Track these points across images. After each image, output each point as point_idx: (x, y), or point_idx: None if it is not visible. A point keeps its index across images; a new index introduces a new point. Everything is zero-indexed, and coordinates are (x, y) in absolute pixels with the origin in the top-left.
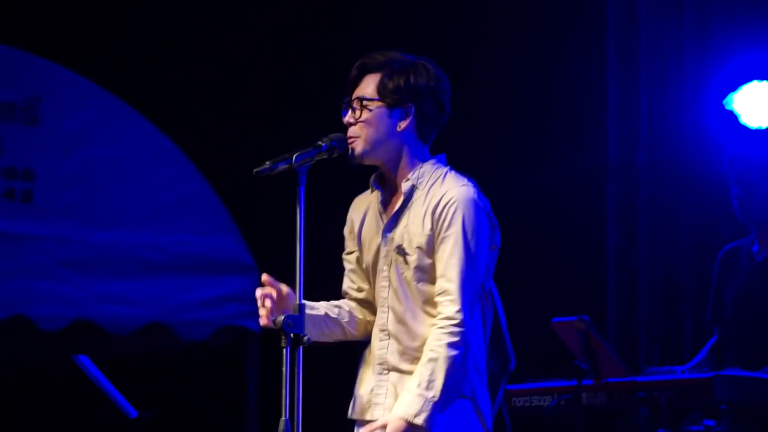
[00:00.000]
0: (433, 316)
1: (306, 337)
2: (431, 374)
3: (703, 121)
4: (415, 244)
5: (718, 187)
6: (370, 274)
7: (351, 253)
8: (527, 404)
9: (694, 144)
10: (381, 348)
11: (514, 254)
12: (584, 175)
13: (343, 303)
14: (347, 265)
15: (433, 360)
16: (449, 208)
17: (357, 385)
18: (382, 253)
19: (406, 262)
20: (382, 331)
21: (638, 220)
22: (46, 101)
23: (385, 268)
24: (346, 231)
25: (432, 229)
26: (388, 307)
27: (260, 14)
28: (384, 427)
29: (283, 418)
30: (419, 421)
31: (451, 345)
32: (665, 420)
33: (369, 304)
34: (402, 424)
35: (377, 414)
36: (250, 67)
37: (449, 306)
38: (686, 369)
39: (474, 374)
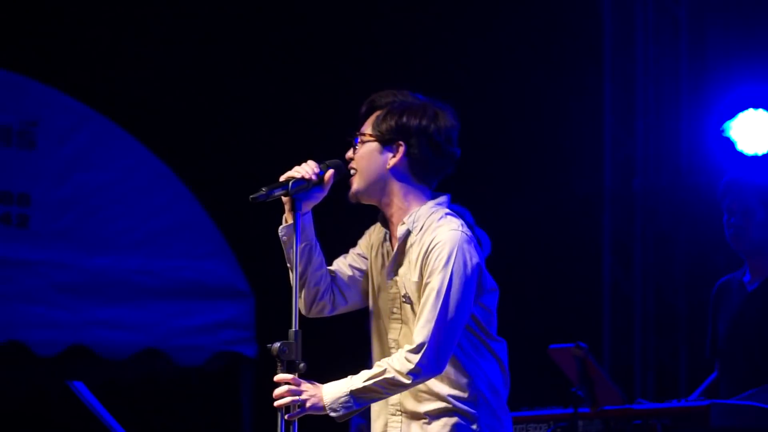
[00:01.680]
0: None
1: (301, 365)
2: (367, 376)
3: (698, 148)
4: (413, 291)
5: (714, 215)
6: (371, 291)
7: (361, 255)
8: None
9: (690, 171)
10: None
11: (510, 281)
12: (580, 202)
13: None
14: (352, 258)
15: (378, 367)
16: (435, 254)
17: (372, 416)
18: (389, 296)
19: (411, 309)
20: None
21: (634, 248)
22: (42, 125)
23: (395, 309)
24: (366, 236)
25: (420, 276)
26: (398, 347)
27: (257, 42)
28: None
29: None
30: (330, 402)
31: (398, 372)
32: None
33: (339, 293)
34: (319, 402)
35: None
36: (246, 94)
37: (412, 353)
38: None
39: (491, 419)
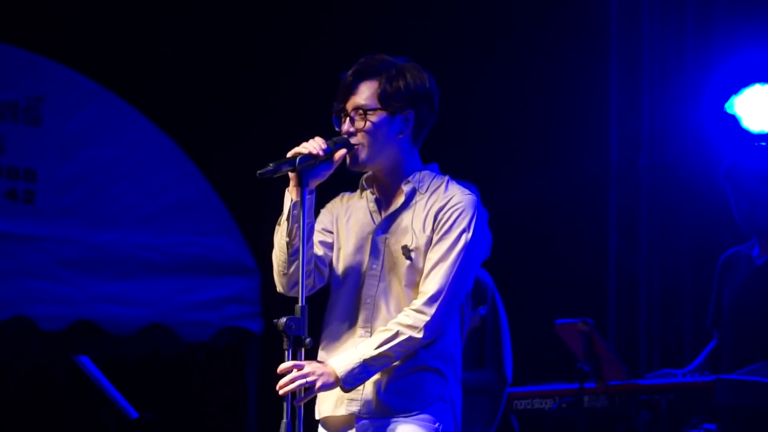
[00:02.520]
0: None
1: (307, 340)
2: (378, 342)
3: (704, 126)
4: (415, 244)
5: (719, 192)
6: (337, 262)
7: (325, 230)
8: (529, 407)
9: (695, 148)
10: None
11: (516, 257)
12: (586, 179)
13: None
14: (319, 236)
15: (388, 331)
16: (453, 212)
17: None
18: (369, 250)
19: (408, 260)
20: (363, 327)
21: (639, 225)
22: (48, 101)
23: (375, 266)
24: (324, 211)
25: (432, 231)
26: (374, 303)
27: (264, 15)
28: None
29: (284, 420)
30: (344, 375)
31: (411, 328)
32: (666, 423)
33: (318, 272)
34: (330, 378)
35: (352, 408)
36: (253, 68)
37: (426, 305)
38: (685, 373)
39: (454, 382)
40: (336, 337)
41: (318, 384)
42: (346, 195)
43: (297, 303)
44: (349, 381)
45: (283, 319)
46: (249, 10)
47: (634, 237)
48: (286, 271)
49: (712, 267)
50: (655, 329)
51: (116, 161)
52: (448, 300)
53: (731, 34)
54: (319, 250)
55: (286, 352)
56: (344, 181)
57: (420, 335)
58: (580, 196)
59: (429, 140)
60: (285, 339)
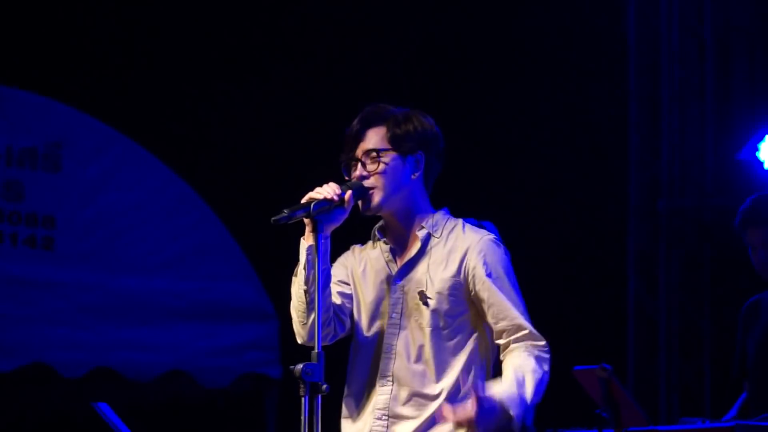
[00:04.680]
0: (461, 365)
1: (324, 386)
2: (524, 381)
3: (723, 169)
4: (436, 288)
5: (738, 236)
6: (358, 314)
7: (342, 282)
8: None
9: (714, 192)
10: (382, 393)
11: (534, 302)
12: (605, 222)
13: None
14: (336, 287)
15: (524, 371)
16: (483, 255)
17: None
18: (390, 301)
19: (426, 306)
20: (385, 377)
21: (658, 268)
22: (67, 147)
23: (395, 314)
24: (337, 264)
25: (458, 273)
26: (395, 353)
27: (280, 61)
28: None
29: None
30: (514, 413)
31: (540, 361)
32: None
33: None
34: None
35: None
36: (269, 114)
37: (528, 335)
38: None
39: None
40: (358, 389)
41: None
42: (357, 247)
43: (314, 350)
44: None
45: (300, 366)
46: (265, 57)
47: (653, 281)
48: (305, 321)
49: (732, 311)
50: (675, 374)
51: (135, 207)
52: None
53: (751, 76)
54: (337, 300)
55: (303, 399)
56: (354, 228)
57: (547, 362)
58: (598, 239)
59: (447, 182)
60: (301, 385)
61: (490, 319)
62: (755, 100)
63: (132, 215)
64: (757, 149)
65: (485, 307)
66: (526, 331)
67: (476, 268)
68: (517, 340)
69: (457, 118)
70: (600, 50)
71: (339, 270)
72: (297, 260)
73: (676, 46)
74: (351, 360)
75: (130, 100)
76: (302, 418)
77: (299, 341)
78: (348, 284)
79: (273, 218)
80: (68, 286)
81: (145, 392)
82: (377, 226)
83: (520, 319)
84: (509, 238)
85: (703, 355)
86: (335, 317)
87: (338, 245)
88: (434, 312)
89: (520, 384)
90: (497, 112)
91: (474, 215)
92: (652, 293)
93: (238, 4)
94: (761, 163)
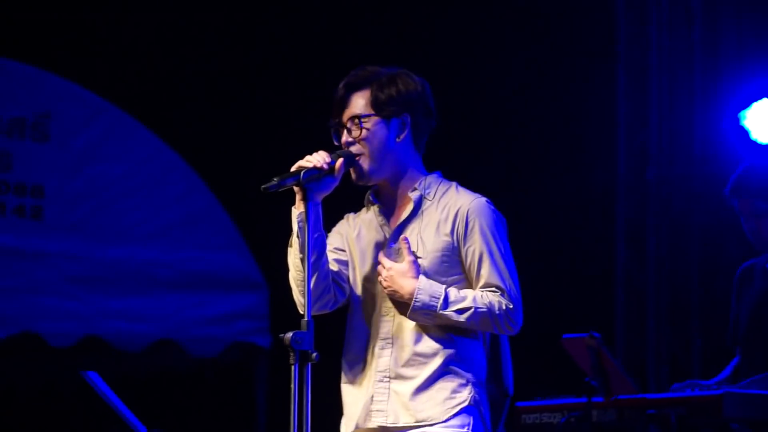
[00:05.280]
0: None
1: (314, 354)
2: (464, 298)
3: (712, 138)
4: (429, 248)
5: (729, 204)
6: (354, 279)
7: (338, 249)
8: (537, 421)
9: (703, 160)
10: (383, 356)
11: (522, 271)
12: (593, 191)
13: None
14: (331, 254)
15: (470, 292)
16: (473, 217)
17: (347, 398)
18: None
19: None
20: (384, 339)
21: (647, 238)
22: (55, 117)
23: None
24: (333, 233)
25: (451, 234)
26: (393, 315)
27: (270, 30)
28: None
29: None
30: (414, 292)
31: (495, 305)
32: None
33: (338, 287)
34: (410, 287)
35: (379, 420)
36: (259, 83)
37: (501, 293)
38: (711, 384)
39: (480, 386)
40: (357, 353)
41: (389, 288)
42: (351, 215)
43: (303, 317)
44: (418, 305)
45: (290, 334)
46: (255, 25)
47: (641, 250)
48: (304, 289)
49: (720, 279)
50: (663, 343)
51: (123, 177)
52: (516, 292)
53: (739, 46)
54: (334, 267)
55: (293, 367)
56: (348, 194)
57: (506, 319)
58: (587, 209)
59: (434, 152)
60: (291, 354)
61: (473, 277)
62: (743, 69)
63: (121, 185)
64: (740, 118)
65: (472, 267)
66: (500, 291)
67: (467, 228)
68: (485, 288)
69: (442, 88)
70: (588, 19)
71: (334, 238)
72: (287, 230)
73: (665, 15)
74: (348, 324)
75: (119, 69)
76: (292, 386)
77: (301, 311)
78: (344, 251)
79: (263, 186)
80: (57, 255)
81: (134, 362)
82: (371, 190)
83: (499, 282)
84: (499, 207)
85: (692, 323)
86: (334, 284)
87: (334, 215)
88: (426, 273)
89: (454, 293)
90: (483, 81)
91: (463, 185)
92: (640, 262)
93: None
94: (748, 132)
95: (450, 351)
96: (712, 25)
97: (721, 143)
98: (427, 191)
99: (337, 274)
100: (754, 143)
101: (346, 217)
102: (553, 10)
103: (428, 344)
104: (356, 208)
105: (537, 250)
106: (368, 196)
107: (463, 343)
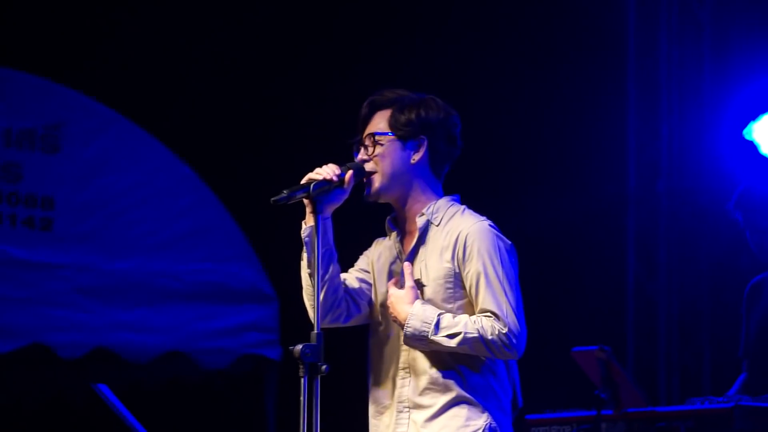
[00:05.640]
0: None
1: (323, 366)
2: (456, 323)
3: (723, 151)
4: (431, 276)
5: (734, 218)
6: (375, 302)
7: (363, 270)
8: None
9: (714, 173)
10: (402, 386)
11: (533, 283)
12: (604, 204)
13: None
14: (356, 273)
15: (464, 318)
16: (472, 242)
17: (373, 424)
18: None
19: (423, 295)
20: (403, 369)
21: (658, 250)
22: (65, 129)
23: None
24: (362, 256)
25: (452, 260)
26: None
27: (283, 43)
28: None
29: None
30: (407, 318)
31: (488, 331)
32: None
33: (353, 302)
34: (404, 313)
35: None
36: (270, 96)
37: (495, 318)
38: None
39: (497, 412)
40: (381, 381)
41: (392, 315)
42: (379, 240)
43: (313, 330)
44: (409, 332)
45: (299, 347)
46: (267, 38)
47: (652, 262)
48: (314, 303)
49: (731, 292)
50: (674, 355)
51: (133, 188)
52: (513, 319)
53: (749, 60)
54: (355, 283)
55: (302, 380)
56: (364, 209)
57: (503, 347)
58: (598, 221)
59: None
60: (301, 366)
61: (473, 301)
62: (753, 83)
63: (131, 196)
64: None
65: (471, 291)
66: (494, 316)
67: (465, 252)
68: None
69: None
70: (598, 33)
71: (362, 260)
72: (297, 242)
73: (675, 29)
74: (370, 351)
75: (129, 81)
76: (301, 399)
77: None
78: (369, 272)
79: (273, 198)
80: (67, 267)
81: (143, 373)
82: (389, 217)
83: (493, 307)
84: (508, 221)
85: (703, 336)
86: (349, 298)
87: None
88: (430, 300)
89: (447, 319)
90: (493, 95)
91: (472, 199)
92: (651, 274)
93: None
94: (758, 146)
95: (466, 378)
96: (721, 37)
97: (730, 156)
98: (434, 216)
99: (357, 290)
100: (763, 157)
101: (375, 241)
102: (564, 24)
103: (444, 372)
104: (369, 224)
105: (548, 263)
106: (387, 223)
107: (480, 370)
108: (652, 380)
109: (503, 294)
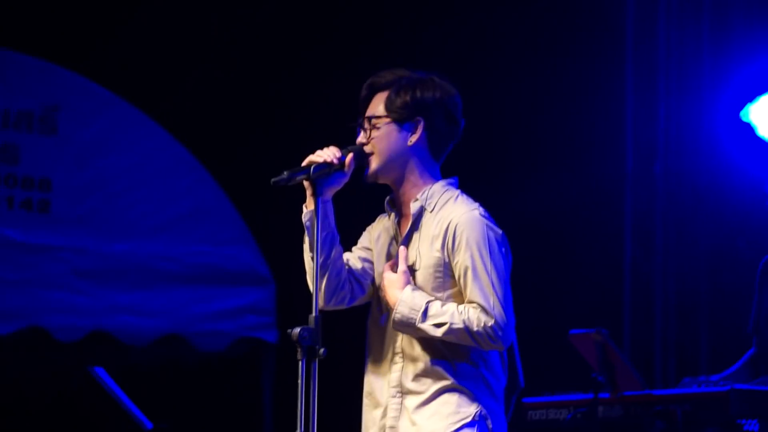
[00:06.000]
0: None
1: (321, 350)
2: (443, 313)
3: (720, 132)
4: (423, 263)
5: (735, 198)
6: (375, 289)
7: (365, 248)
8: (543, 417)
9: (711, 154)
10: (395, 371)
11: (529, 265)
12: (601, 185)
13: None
14: (358, 252)
15: (453, 307)
16: (461, 231)
17: (365, 416)
18: None
19: (415, 281)
20: (397, 353)
21: (655, 232)
22: (63, 110)
23: None
24: (365, 232)
25: (441, 249)
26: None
27: (281, 24)
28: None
29: (298, 430)
30: (396, 304)
31: (474, 321)
32: None
33: (356, 283)
34: (394, 298)
35: None
36: (268, 77)
37: (481, 309)
38: (720, 379)
39: (488, 399)
40: (376, 365)
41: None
42: (381, 217)
43: (311, 313)
44: (398, 317)
45: (297, 330)
46: (264, 18)
47: (649, 244)
48: (319, 286)
49: (728, 273)
50: (671, 337)
51: (131, 170)
52: (499, 311)
53: (748, 41)
54: (358, 263)
55: (300, 363)
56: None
57: (487, 338)
58: (595, 202)
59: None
60: (298, 349)
61: (463, 292)
62: (752, 64)
63: (128, 178)
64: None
65: (460, 281)
66: (480, 307)
67: (454, 242)
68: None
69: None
70: (596, 14)
71: (365, 237)
72: (295, 224)
73: (674, 9)
74: (368, 333)
75: (126, 62)
76: (299, 382)
77: (320, 307)
78: (371, 250)
79: (272, 180)
80: (64, 249)
81: (141, 356)
82: (388, 198)
83: (480, 298)
84: (505, 202)
85: (700, 318)
86: (353, 279)
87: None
88: (421, 287)
89: (435, 307)
90: (490, 77)
91: (469, 180)
92: (648, 256)
93: None
94: (755, 128)
95: (458, 365)
96: (721, 18)
97: (728, 137)
98: (428, 201)
99: (361, 271)
100: (760, 139)
101: (379, 217)
102: (562, 5)
103: (437, 358)
104: (370, 207)
105: (544, 245)
106: (386, 204)
107: (472, 358)
108: (649, 362)
109: (490, 286)
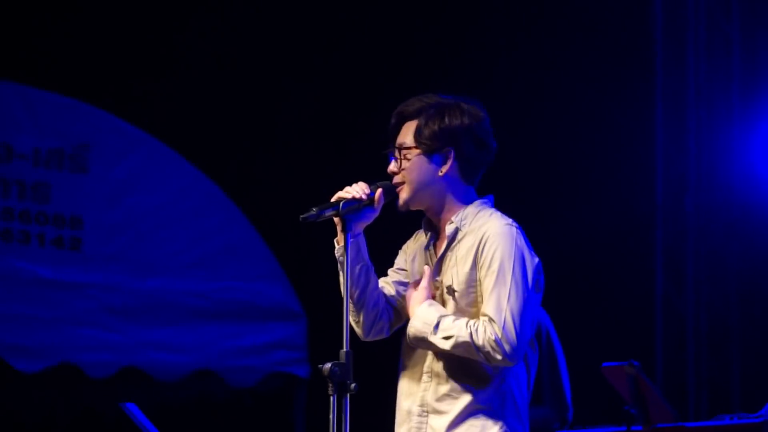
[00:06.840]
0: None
1: (353, 385)
2: (454, 326)
3: (750, 166)
4: (460, 279)
5: (765, 232)
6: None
7: (400, 269)
8: None
9: (742, 189)
10: (425, 390)
11: (563, 299)
12: (632, 220)
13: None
14: (393, 275)
15: (465, 321)
16: (490, 244)
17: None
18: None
19: (454, 302)
20: (426, 372)
21: (686, 265)
22: (94, 149)
23: None
24: (400, 252)
25: (473, 264)
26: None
27: (310, 61)
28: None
29: None
30: (412, 319)
31: (482, 334)
32: None
33: (393, 311)
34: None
35: None
36: (297, 114)
37: (492, 323)
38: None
39: (514, 419)
40: (407, 383)
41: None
42: (418, 233)
43: (342, 348)
44: (412, 331)
45: (328, 365)
46: (293, 57)
47: (681, 278)
48: (358, 320)
49: (760, 306)
50: (703, 370)
51: (162, 207)
52: (515, 328)
53: None
54: (392, 289)
55: (331, 398)
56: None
57: (494, 353)
58: (626, 237)
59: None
60: (330, 384)
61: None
62: None
63: (159, 216)
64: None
65: (484, 293)
66: (489, 319)
67: (483, 254)
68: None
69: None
70: (626, 45)
71: (400, 257)
72: (325, 260)
73: (703, 43)
74: (401, 352)
75: (156, 101)
76: (330, 417)
77: (361, 339)
78: (405, 270)
79: (302, 216)
80: (96, 286)
81: (172, 392)
82: (424, 218)
83: (492, 311)
84: (537, 235)
85: (732, 351)
86: (390, 308)
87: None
88: (458, 306)
89: (448, 321)
90: (521, 109)
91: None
92: (680, 290)
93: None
94: None
95: (483, 386)
96: (750, 52)
97: (758, 171)
98: (462, 222)
99: (396, 296)
100: None
101: (415, 234)
102: (592, 39)
103: (463, 378)
104: (399, 234)
105: (577, 279)
106: (423, 223)
107: (498, 378)
108: (681, 395)
109: (506, 300)
